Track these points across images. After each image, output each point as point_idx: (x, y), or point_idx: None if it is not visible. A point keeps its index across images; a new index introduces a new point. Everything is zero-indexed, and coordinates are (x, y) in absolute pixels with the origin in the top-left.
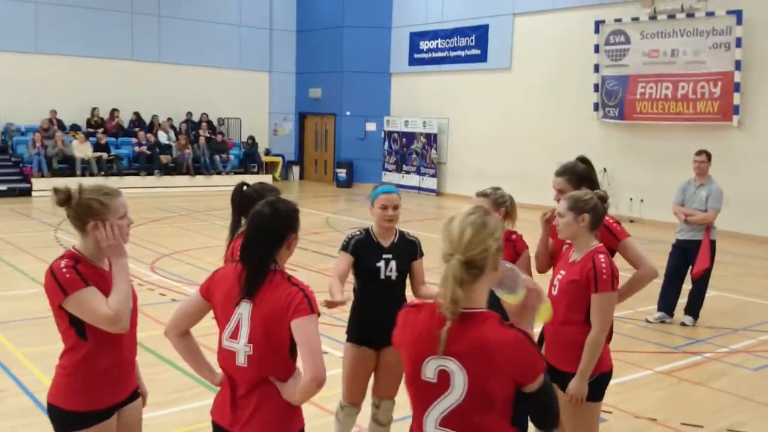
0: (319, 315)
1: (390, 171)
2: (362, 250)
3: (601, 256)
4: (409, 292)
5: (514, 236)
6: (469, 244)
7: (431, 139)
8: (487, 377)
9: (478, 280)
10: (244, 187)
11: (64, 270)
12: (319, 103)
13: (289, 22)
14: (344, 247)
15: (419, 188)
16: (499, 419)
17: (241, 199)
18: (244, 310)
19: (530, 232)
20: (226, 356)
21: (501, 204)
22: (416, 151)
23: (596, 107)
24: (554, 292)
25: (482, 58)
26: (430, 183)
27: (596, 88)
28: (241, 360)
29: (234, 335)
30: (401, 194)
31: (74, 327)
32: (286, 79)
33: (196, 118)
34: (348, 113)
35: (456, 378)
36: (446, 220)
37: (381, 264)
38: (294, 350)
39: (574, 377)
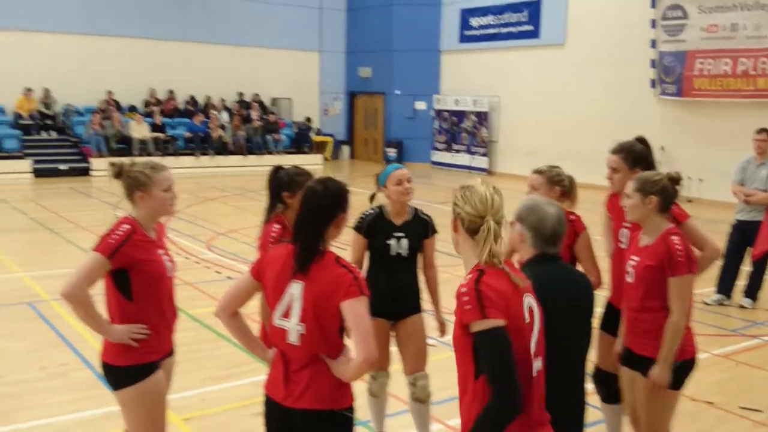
0: (368, 297)
1: (440, 150)
2: (374, 230)
3: (675, 237)
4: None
5: (572, 217)
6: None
7: (482, 118)
8: None
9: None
10: (279, 172)
11: (116, 234)
12: (368, 82)
13: (338, 1)
14: (357, 228)
15: (470, 167)
16: None
17: (275, 183)
18: (296, 289)
19: (587, 213)
20: (278, 334)
21: (556, 182)
22: (467, 130)
23: (653, 84)
24: (630, 280)
25: (535, 34)
26: (481, 162)
27: (653, 64)
28: (292, 338)
29: (286, 314)
30: (452, 173)
31: (120, 290)
32: (336, 58)
33: (248, 98)
34: (397, 92)
35: None
36: None
37: (392, 242)
38: (343, 330)
39: (655, 364)
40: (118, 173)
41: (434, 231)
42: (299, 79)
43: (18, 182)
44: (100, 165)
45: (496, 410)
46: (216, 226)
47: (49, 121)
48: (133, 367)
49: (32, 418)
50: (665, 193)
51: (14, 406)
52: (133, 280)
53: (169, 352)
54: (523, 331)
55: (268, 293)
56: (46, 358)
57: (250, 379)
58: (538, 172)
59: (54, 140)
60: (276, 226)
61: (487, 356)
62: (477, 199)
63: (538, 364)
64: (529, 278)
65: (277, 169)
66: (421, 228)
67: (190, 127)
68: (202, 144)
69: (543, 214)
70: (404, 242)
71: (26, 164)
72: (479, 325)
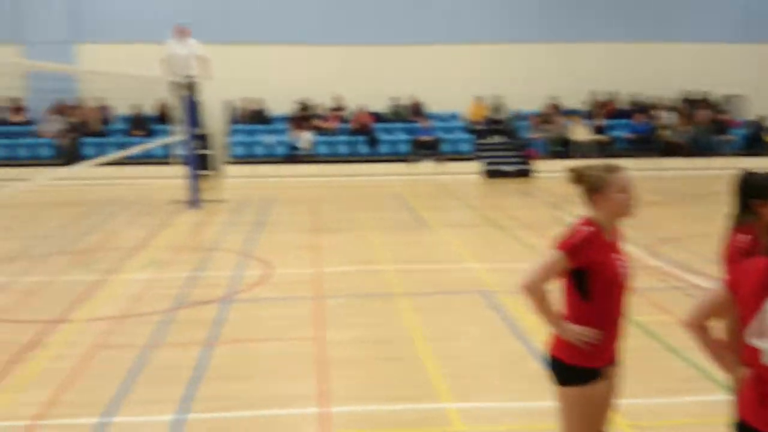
0: None
1: None
2: None
3: None
4: None
5: None
6: None
7: None
8: None
9: None
10: (750, 177)
11: (578, 234)
12: None
13: None
14: None
15: None
16: None
17: (744, 190)
18: None
19: None
20: (751, 354)
21: None
22: None
23: None
24: None
25: None
26: None
27: None
28: None
29: (762, 334)
30: None
31: (578, 289)
32: None
33: (696, 96)
34: None
35: None
36: None
37: None
38: None
39: None
40: (577, 178)
41: None
42: (759, 74)
43: (470, 182)
44: (542, 167)
45: None
46: (659, 231)
47: (497, 126)
48: (576, 367)
49: (488, 399)
50: None
51: (473, 386)
52: (591, 281)
53: (613, 361)
54: None
55: (741, 309)
56: (498, 346)
57: (703, 396)
58: None
59: (501, 144)
60: (745, 237)
61: None
62: None
63: None
64: None
65: (748, 174)
66: None
67: (632, 128)
68: (644, 145)
69: None
70: None
71: (477, 166)
72: None
